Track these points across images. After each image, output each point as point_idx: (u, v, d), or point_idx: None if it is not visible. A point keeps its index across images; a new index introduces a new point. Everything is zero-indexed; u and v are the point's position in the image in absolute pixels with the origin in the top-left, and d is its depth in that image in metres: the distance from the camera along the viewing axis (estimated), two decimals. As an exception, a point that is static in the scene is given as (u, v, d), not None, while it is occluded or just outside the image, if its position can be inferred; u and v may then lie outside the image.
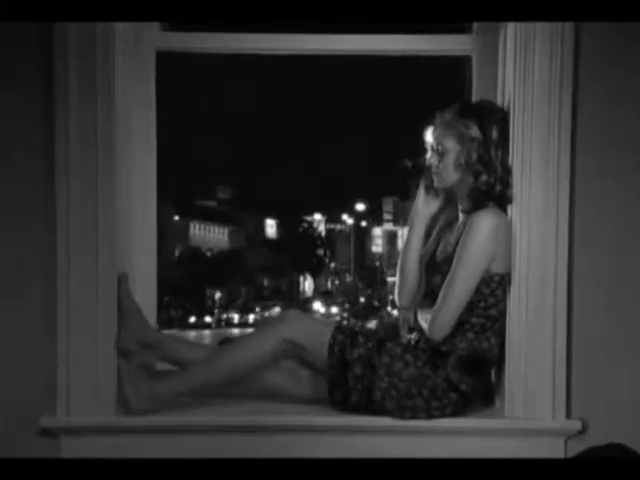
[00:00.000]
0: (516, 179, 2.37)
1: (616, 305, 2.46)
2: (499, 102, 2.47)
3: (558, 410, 2.40)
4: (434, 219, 2.58)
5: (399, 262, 2.59)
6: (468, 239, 2.35)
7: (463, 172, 2.40)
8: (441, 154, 2.43)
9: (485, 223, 2.34)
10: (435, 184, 2.48)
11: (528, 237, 2.38)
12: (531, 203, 2.37)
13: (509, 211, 2.40)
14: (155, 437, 2.42)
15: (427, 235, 2.57)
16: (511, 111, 2.38)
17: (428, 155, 2.48)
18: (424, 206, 2.55)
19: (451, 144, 2.41)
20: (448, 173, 2.43)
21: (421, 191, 2.54)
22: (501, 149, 2.38)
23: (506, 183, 2.37)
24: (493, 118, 2.39)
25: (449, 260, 2.40)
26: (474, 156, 2.37)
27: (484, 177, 2.37)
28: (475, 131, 2.37)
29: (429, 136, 2.48)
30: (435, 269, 2.47)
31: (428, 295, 2.47)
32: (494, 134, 2.37)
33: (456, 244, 2.41)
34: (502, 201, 2.39)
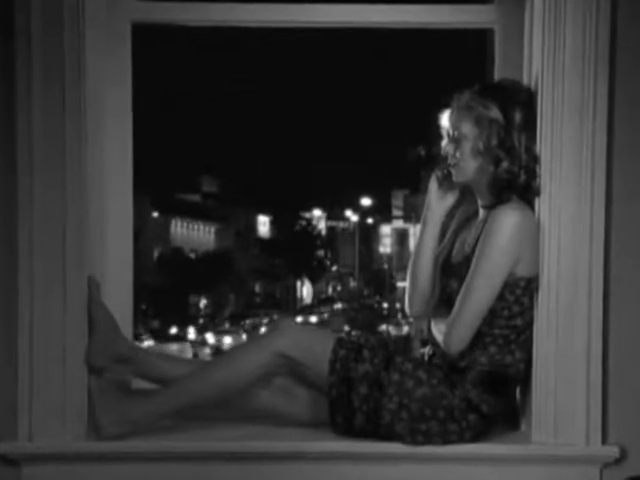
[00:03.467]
0: (544, 168, 2.37)
1: (660, 314, 2.46)
2: (525, 81, 2.47)
3: (593, 434, 2.40)
4: (450, 215, 2.58)
5: (410, 265, 2.59)
6: (488, 238, 2.35)
7: (482, 160, 2.40)
8: (457, 141, 2.43)
9: (508, 219, 2.34)
10: (453, 177, 2.48)
11: (558, 235, 2.37)
12: (561, 196, 2.37)
13: (536, 205, 2.40)
14: (131, 465, 2.42)
15: (442, 234, 2.57)
16: (539, 91, 2.38)
17: (444, 142, 2.48)
18: (438, 201, 2.55)
19: (468, 128, 2.41)
20: (466, 162, 2.43)
21: (434, 184, 2.55)
22: (526, 134, 2.38)
23: (532, 173, 2.37)
24: (517, 99, 2.39)
25: (467, 262, 2.40)
26: (494, 141, 2.37)
27: (505, 164, 2.37)
28: (495, 112, 2.37)
29: (445, 121, 2.48)
30: (451, 273, 2.47)
31: (444, 302, 2.47)
32: (517, 117, 2.38)
33: (475, 244, 2.41)
34: (527, 193, 2.39)
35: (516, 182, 2.38)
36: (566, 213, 2.37)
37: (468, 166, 2.44)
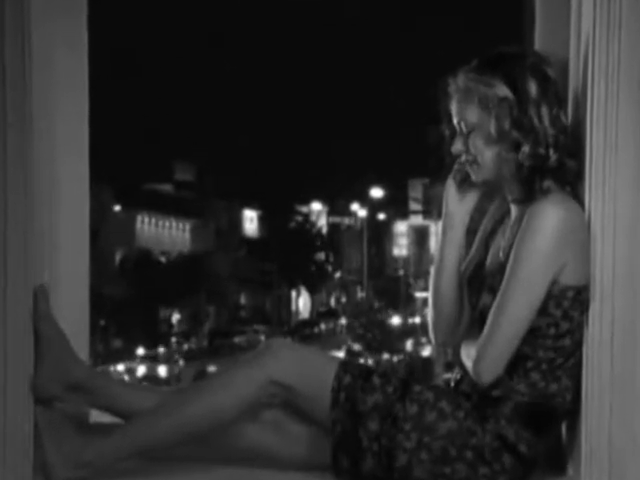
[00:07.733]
0: (595, 149, 2.36)
1: None
2: (573, 45, 2.48)
3: (656, 479, 2.40)
4: (480, 212, 2.58)
5: (432, 284, 2.59)
6: (525, 239, 2.34)
7: (499, 148, 2.41)
8: (467, 134, 2.44)
9: (548, 217, 2.34)
10: (472, 177, 2.49)
11: (613, 232, 2.37)
12: (617, 185, 2.36)
13: (586, 198, 2.39)
14: (87, 518, 2.42)
15: (472, 234, 2.57)
16: (590, 57, 2.38)
17: (455, 144, 2.48)
18: (457, 204, 2.57)
19: (474, 114, 2.42)
20: (482, 155, 2.43)
21: (452, 188, 2.55)
22: (547, 104, 2.38)
23: (563, 148, 2.37)
24: (524, 66, 2.39)
25: (502, 272, 2.39)
26: (506, 122, 2.38)
27: (526, 147, 2.37)
28: (500, 88, 2.38)
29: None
30: (484, 285, 2.46)
31: (476, 321, 2.47)
32: (531, 87, 2.38)
33: (510, 248, 2.40)
34: (564, 176, 2.39)
35: (546, 165, 2.38)
36: (622, 205, 2.37)
37: (486, 160, 2.44)
